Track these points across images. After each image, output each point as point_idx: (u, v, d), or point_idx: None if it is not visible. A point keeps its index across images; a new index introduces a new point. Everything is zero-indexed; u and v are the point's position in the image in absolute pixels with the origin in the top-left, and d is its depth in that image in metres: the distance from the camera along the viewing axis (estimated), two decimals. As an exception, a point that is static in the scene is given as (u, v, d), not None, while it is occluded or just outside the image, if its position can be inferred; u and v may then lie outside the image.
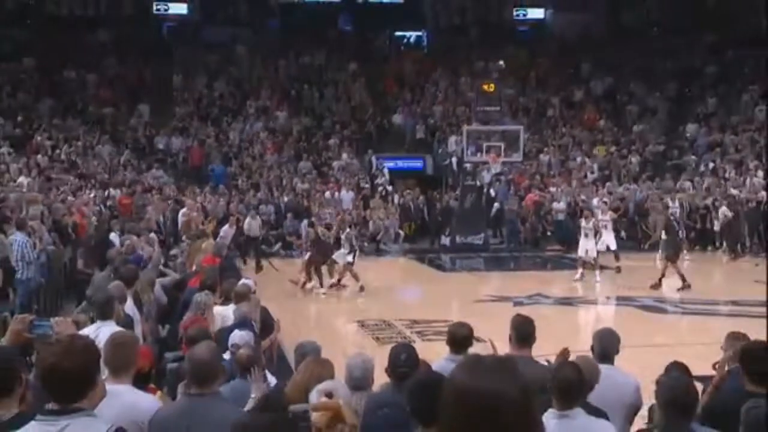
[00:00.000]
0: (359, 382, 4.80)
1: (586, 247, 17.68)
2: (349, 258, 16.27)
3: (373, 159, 27.61)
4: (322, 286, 16.12)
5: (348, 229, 16.84)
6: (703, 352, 6.89)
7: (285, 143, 28.37)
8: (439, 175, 27.97)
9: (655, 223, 21.38)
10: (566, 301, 15.60)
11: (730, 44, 31.77)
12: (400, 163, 28.78)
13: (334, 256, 16.39)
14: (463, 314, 12.94)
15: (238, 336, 6.33)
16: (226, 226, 18.83)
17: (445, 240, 23.90)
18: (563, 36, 35.33)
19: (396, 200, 25.66)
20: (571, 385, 4.25)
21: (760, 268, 19.08)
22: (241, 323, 7.11)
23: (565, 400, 4.21)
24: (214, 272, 9.53)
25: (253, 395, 4.69)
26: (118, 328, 5.90)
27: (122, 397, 4.07)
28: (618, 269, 18.70)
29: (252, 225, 20.68)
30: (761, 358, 4.38)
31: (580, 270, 17.67)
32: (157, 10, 34.48)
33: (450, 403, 1.99)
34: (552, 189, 25.17)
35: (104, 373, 4.64)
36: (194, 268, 11.15)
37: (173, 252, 16.53)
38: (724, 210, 22.18)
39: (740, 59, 31.34)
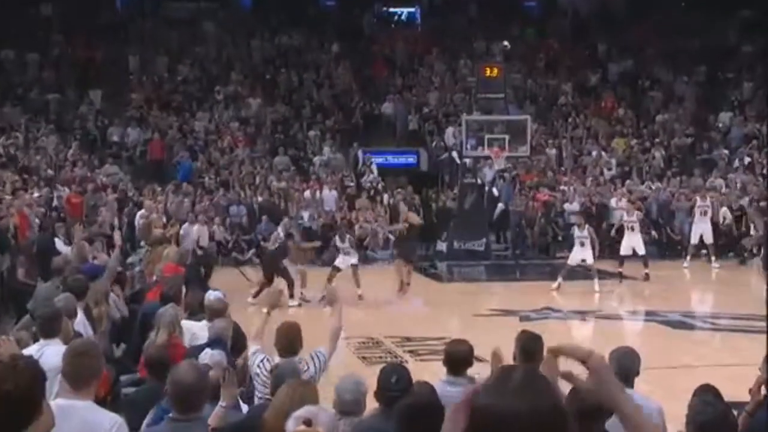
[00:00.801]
0: (349, 406, 4.85)
1: (582, 256, 17.90)
2: (354, 260, 17.33)
3: (360, 153, 27.63)
4: (292, 297, 16.38)
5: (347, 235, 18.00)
6: (737, 374, 6.96)
7: (258, 135, 28.37)
8: (435, 172, 28.01)
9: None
10: (579, 316, 15.67)
11: (768, 20, 31.97)
12: (391, 158, 28.83)
13: (336, 263, 17.20)
14: (462, 330, 13.02)
15: (209, 355, 6.35)
16: (186, 224, 18.89)
17: (442, 246, 23.94)
18: (577, 12, 35.43)
19: (385, 200, 25.68)
20: (592, 410, 4.30)
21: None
22: (216, 341, 7.14)
23: (583, 427, 4.25)
24: (177, 283, 9.54)
25: (222, 403, 4.74)
26: (65, 347, 5.90)
27: (81, 415, 4.07)
28: (646, 276, 18.92)
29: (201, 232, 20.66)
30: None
31: (559, 280, 17.94)
32: (110, -19, 34.41)
33: (480, 430, 2.04)
34: (563, 187, 25.25)
35: (53, 393, 4.65)
36: (154, 278, 11.15)
37: (130, 260, 16.50)
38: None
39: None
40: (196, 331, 7.88)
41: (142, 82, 30.32)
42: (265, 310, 6.49)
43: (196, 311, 8.44)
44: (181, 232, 18.88)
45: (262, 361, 6.26)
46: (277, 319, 6.72)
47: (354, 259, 17.44)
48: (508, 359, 5.74)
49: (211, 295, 8.47)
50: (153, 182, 24.99)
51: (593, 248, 18.05)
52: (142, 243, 17.06)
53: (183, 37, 32.39)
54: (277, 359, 6.14)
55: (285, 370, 5.84)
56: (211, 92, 30.12)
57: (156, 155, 27.23)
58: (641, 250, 19.17)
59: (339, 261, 17.37)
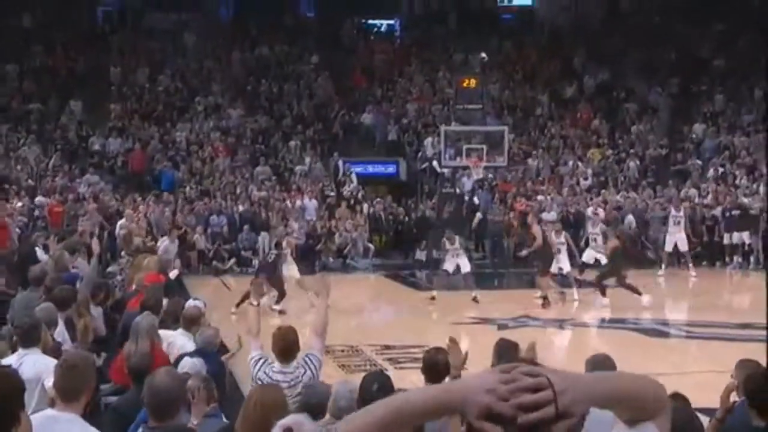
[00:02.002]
0: (344, 412, 4.85)
1: (559, 264, 18.00)
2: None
3: (340, 163, 27.63)
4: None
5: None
6: (710, 381, 6.99)
7: (239, 145, 28.30)
8: (414, 182, 28.05)
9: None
10: (557, 324, 15.71)
11: (741, 33, 32.23)
12: (370, 168, 28.83)
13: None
14: (441, 338, 12.98)
15: (189, 363, 6.31)
16: (166, 241, 18.82)
17: (421, 255, 23.95)
18: (553, 25, 35.66)
19: (365, 210, 25.69)
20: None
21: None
22: (203, 350, 7.10)
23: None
24: (157, 292, 9.48)
25: (194, 420, 4.70)
26: (45, 357, 5.86)
27: (62, 428, 4.04)
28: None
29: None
30: (767, 388, 4.44)
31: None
32: (91, -8, 34.32)
33: None
34: (540, 197, 25.34)
35: (32, 403, 4.61)
36: (134, 287, 11.08)
37: (111, 269, 16.41)
38: None
39: (753, 50, 31.77)
40: (173, 339, 7.84)
41: (123, 92, 30.19)
42: (254, 302, 6.45)
43: (177, 320, 8.41)
44: (159, 244, 18.76)
45: (263, 365, 6.20)
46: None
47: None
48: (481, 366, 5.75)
49: (188, 303, 8.43)
50: (134, 192, 24.90)
51: (571, 256, 18.15)
52: (123, 253, 16.95)
53: (164, 48, 32.32)
54: (276, 364, 6.10)
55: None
56: (192, 103, 30.03)
57: (137, 165, 27.11)
58: (604, 259, 19.38)
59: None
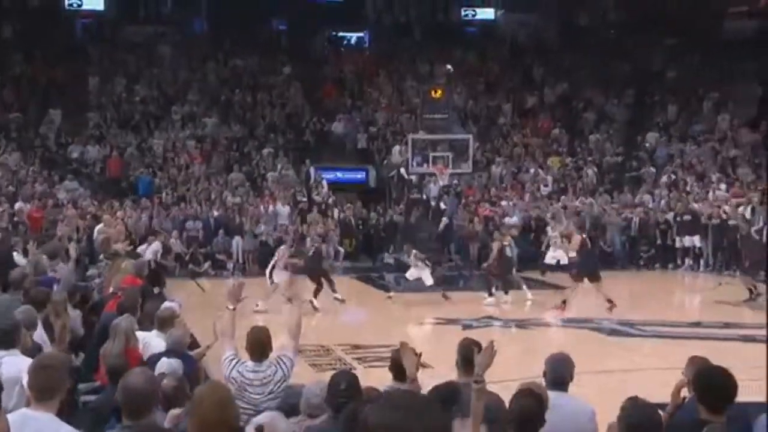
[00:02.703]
0: (315, 410, 4.85)
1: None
2: None
3: (311, 170, 27.59)
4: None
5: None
6: (664, 378, 7.04)
7: (214, 153, 28.17)
8: (383, 188, 28.08)
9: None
10: (519, 324, 15.79)
11: (691, 47, 32.65)
12: (340, 175, 28.81)
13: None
14: (408, 338, 13.00)
15: (166, 364, 6.26)
16: (145, 247, 18.76)
17: (389, 258, 23.97)
18: (515, 38, 35.88)
19: (336, 215, 25.67)
20: (532, 416, 4.34)
21: (722, 288, 19.63)
22: (174, 350, 7.05)
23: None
24: (135, 294, 9.40)
25: (167, 424, 4.66)
26: (24, 358, 5.79)
27: (39, 427, 4.00)
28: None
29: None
30: (715, 383, 4.48)
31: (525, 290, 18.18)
32: (70, 5, 33.98)
33: None
34: (504, 203, 25.47)
35: (11, 403, 4.55)
36: (111, 290, 10.98)
37: (90, 272, 16.25)
38: None
39: (702, 63, 32.22)
40: (149, 340, 7.79)
41: (101, 102, 29.95)
42: (231, 306, 6.38)
43: (154, 321, 8.35)
44: (145, 247, 18.71)
45: (237, 364, 6.15)
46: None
47: None
48: (451, 365, 5.77)
49: (164, 305, 8.39)
50: (112, 198, 24.70)
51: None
52: (102, 256, 16.80)
53: (140, 59, 32.10)
54: (249, 363, 6.06)
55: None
56: (168, 112, 29.86)
57: (115, 172, 26.92)
58: (564, 260, 19.63)
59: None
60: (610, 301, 16.30)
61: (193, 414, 3.99)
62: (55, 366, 4.32)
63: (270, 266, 17.22)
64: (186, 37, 33.93)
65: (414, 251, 18.45)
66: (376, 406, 2.13)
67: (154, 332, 7.95)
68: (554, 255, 20.17)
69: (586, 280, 16.77)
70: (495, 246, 18.20)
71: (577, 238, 17.27)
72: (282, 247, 18.32)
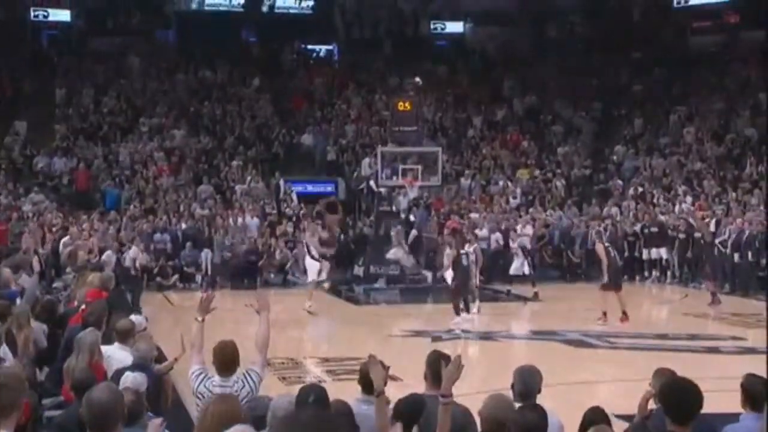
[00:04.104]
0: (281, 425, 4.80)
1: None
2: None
3: (281, 182, 27.51)
4: None
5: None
6: (630, 389, 7.09)
7: (182, 165, 28.01)
8: (353, 200, 28.05)
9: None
10: (487, 336, 15.82)
11: (656, 62, 33.06)
12: (310, 187, 28.75)
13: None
14: (377, 351, 12.96)
15: (131, 378, 6.19)
16: (108, 251, 18.60)
17: (359, 270, 23.93)
18: (484, 51, 36.10)
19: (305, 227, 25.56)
20: (536, 429, 4.37)
21: (688, 300, 19.85)
22: (139, 364, 6.98)
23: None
24: (100, 307, 9.31)
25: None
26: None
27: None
28: (535, 295, 19.80)
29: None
30: (681, 395, 4.52)
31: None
32: (35, 16, 33.70)
33: None
34: (473, 215, 25.54)
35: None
36: (75, 303, 10.88)
37: (56, 285, 16.12)
38: None
39: (668, 78, 32.63)
40: (111, 353, 7.71)
41: (68, 113, 29.70)
42: (199, 318, 6.33)
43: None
44: (104, 258, 18.50)
45: (204, 379, 6.10)
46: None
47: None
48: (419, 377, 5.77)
49: (128, 319, 8.35)
50: (79, 210, 24.47)
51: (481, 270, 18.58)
52: (68, 269, 16.67)
53: (108, 70, 31.89)
54: (216, 378, 6.02)
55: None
56: (135, 124, 29.66)
57: (82, 184, 26.67)
58: (527, 270, 20.16)
59: None
60: (624, 312, 16.33)
61: (200, 428, 3.99)
62: (11, 384, 4.24)
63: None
64: (155, 48, 33.77)
65: (398, 228, 18.43)
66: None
67: (116, 345, 7.86)
68: (517, 267, 20.36)
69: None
70: (447, 255, 17.75)
71: (600, 248, 17.20)
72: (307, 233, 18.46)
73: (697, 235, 21.55)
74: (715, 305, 18.26)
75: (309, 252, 18.64)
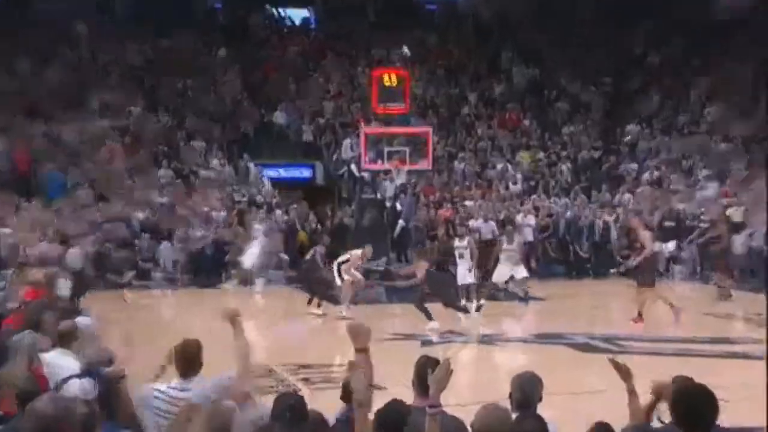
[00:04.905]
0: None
1: (462, 272, 18.31)
2: None
3: (251, 166, 27.51)
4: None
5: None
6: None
7: (138, 146, 27.95)
8: (332, 187, 28.11)
9: None
10: (483, 340, 15.93)
11: (675, 30, 33.08)
12: (284, 172, 28.80)
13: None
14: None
15: (77, 385, 6.23)
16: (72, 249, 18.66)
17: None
18: (479, 18, 36.09)
19: (278, 216, 25.62)
20: None
21: (707, 299, 20.01)
22: (87, 370, 7.00)
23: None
24: (40, 308, 9.33)
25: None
26: None
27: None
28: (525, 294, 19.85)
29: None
30: (694, 405, 4.55)
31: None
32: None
33: None
34: (468, 203, 25.62)
35: None
36: (10, 304, 10.90)
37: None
38: None
39: (688, 48, 32.66)
40: (54, 360, 7.72)
41: (3, 86, 29.50)
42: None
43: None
44: (68, 258, 18.52)
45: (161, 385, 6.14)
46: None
47: None
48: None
49: (77, 320, 8.36)
50: (18, 197, 24.34)
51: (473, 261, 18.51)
52: (8, 265, 16.61)
53: (52, 38, 31.68)
54: (174, 381, 6.05)
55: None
56: (84, 99, 29.50)
57: (21, 168, 26.51)
58: (518, 275, 19.70)
59: None
60: (639, 314, 16.57)
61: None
62: None
63: (336, 268, 18.21)
64: (107, 14, 33.59)
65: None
66: None
67: (58, 350, 7.85)
68: (503, 272, 20.00)
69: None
70: (418, 267, 17.71)
71: (645, 234, 17.23)
72: (356, 251, 18.68)
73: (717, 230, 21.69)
74: (723, 300, 18.72)
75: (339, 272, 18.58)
